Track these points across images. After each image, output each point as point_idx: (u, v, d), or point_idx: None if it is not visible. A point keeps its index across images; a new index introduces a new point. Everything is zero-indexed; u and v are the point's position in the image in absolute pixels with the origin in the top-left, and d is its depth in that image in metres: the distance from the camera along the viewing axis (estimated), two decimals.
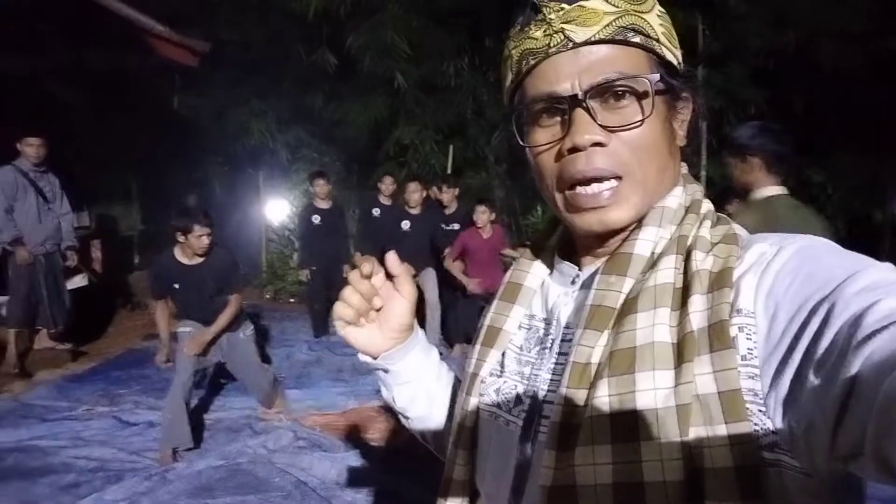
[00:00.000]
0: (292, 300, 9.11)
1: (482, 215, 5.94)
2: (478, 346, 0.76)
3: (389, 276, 0.80)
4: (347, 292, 0.77)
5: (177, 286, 4.11)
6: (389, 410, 4.41)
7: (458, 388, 0.80)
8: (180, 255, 4.13)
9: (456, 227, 6.34)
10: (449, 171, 8.99)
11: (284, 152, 10.27)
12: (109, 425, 4.40)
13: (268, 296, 9.43)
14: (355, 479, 3.57)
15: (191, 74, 8.75)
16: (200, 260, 4.14)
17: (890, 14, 7.61)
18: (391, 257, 0.78)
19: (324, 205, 6.78)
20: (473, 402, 0.74)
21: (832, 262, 0.54)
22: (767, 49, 7.74)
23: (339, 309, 0.78)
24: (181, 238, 4.05)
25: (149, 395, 4.95)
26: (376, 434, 4.20)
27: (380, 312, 0.80)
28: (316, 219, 6.71)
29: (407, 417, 0.90)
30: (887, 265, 0.52)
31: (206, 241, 4.06)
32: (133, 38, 7.01)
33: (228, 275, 4.33)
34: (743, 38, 7.81)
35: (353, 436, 4.17)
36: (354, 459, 3.81)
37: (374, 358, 0.83)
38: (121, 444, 4.07)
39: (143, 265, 8.70)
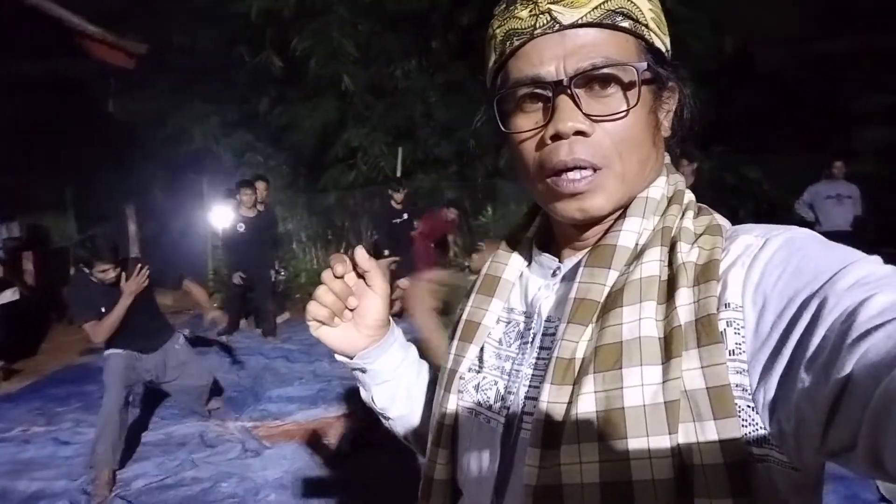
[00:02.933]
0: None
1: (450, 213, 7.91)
2: (455, 342, 0.74)
3: (359, 273, 0.77)
4: (321, 291, 0.74)
5: (103, 310, 3.76)
6: (346, 417, 4.38)
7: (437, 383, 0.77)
8: (97, 278, 3.82)
9: (405, 216, 7.44)
10: (398, 173, 8.97)
11: (229, 157, 10.03)
12: (49, 447, 4.19)
13: (215, 304, 9.16)
14: (308, 489, 3.50)
15: (128, 77, 8.44)
16: (112, 286, 3.82)
17: (822, 19, 8.01)
18: (360, 253, 0.75)
19: (249, 213, 6.78)
20: (452, 399, 0.71)
21: (821, 255, 0.52)
22: (707, 52, 8.02)
23: (313, 309, 0.74)
24: (85, 270, 3.79)
25: (91, 411, 4.70)
26: (331, 442, 4.13)
27: (354, 311, 0.77)
28: (240, 227, 6.72)
29: (387, 418, 0.86)
30: (876, 258, 0.51)
31: (111, 274, 3.74)
32: (64, 39, 6.70)
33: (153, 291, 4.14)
34: (684, 40, 8.07)
35: (306, 445, 4.09)
36: (307, 469, 3.73)
37: (351, 358, 0.80)
38: (63, 467, 3.87)
39: None
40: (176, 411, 4.72)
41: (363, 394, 0.85)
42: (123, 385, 3.83)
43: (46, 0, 6.28)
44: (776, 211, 8.30)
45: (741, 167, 8.19)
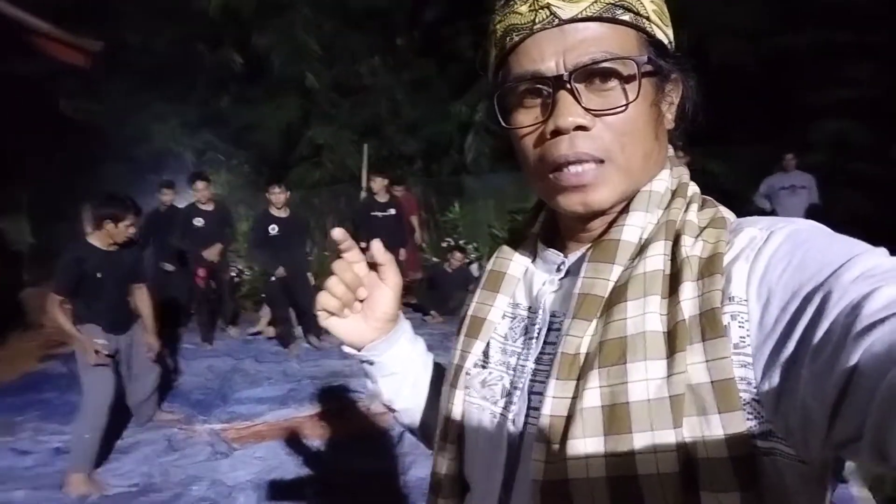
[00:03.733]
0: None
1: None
2: (461, 337, 0.74)
3: (372, 266, 0.76)
4: (332, 282, 0.73)
5: (99, 275, 3.78)
6: (317, 417, 4.35)
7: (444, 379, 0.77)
8: (97, 242, 3.83)
9: (392, 212, 6.85)
10: (365, 171, 8.93)
11: (190, 156, 9.84)
12: (8, 458, 4.05)
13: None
14: (282, 489, 3.47)
15: (85, 77, 8.19)
16: (116, 248, 3.88)
17: (781, 14, 8.23)
18: (376, 245, 0.74)
19: (207, 206, 6.43)
20: (459, 394, 0.72)
21: (825, 247, 0.52)
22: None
23: (323, 299, 0.74)
24: (108, 225, 3.78)
25: (50, 420, 4.57)
26: (302, 443, 4.10)
27: (364, 302, 0.77)
28: (199, 221, 6.37)
29: (394, 410, 0.86)
30: (881, 250, 0.51)
31: (133, 230, 3.89)
32: (14, 36, 6.47)
33: (139, 265, 4.16)
34: None
35: (278, 445, 4.05)
36: (280, 470, 3.70)
37: (359, 349, 0.79)
38: (25, 478, 3.75)
39: (35, 281, 8.08)
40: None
41: (369, 385, 0.85)
42: (110, 374, 3.76)
43: None
44: (735, 203, 8.50)
45: (703, 160, 8.39)
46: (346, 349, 0.80)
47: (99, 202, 3.91)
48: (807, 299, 0.49)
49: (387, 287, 0.77)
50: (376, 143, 9.47)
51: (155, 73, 9.59)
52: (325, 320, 0.75)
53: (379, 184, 6.98)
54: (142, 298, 4.15)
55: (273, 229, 6.12)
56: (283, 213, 6.21)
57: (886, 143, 7.51)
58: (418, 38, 10.11)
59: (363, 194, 7.41)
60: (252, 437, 4.24)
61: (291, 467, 3.74)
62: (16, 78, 7.29)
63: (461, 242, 8.57)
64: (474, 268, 8.60)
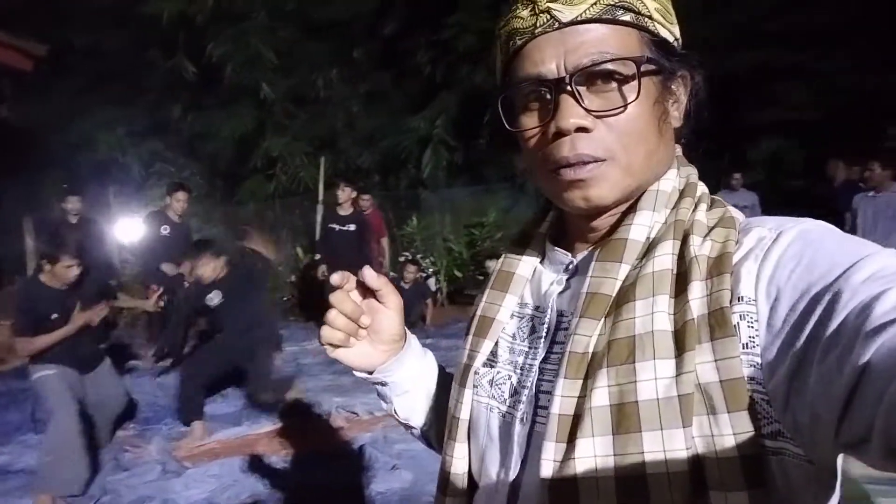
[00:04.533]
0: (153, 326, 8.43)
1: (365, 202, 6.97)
2: (470, 337, 0.74)
3: (367, 290, 0.76)
4: (332, 315, 0.72)
5: (55, 317, 3.56)
6: (273, 434, 4.24)
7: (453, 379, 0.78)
8: (48, 281, 3.63)
9: (352, 227, 6.42)
10: (321, 184, 8.84)
11: (137, 166, 9.54)
12: None
13: (125, 321, 8.64)
14: None
15: (26, 81, 7.85)
16: (67, 288, 3.67)
17: (725, 38, 8.60)
18: (368, 272, 0.74)
19: (177, 218, 6.21)
20: (468, 393, 0.72)
21: (835, 248, 0.52)
22: None
23: (327, 334, 0.73)
24: (46, 266, 3.59)
25: None
26: (258, 460, 3.98)
27: (368, 328, 0.76)
28: (165, 229, 6.09)
29: (411, 427, 0.87)
30: (891, 251, 0.51)
31: (74, 272, 3.61)
32: None
33: (102, 289, 4.04)
34: None
35: (231, 463, 3.92)
36: (235, 487, 3.58)
37: (370, 373, 0.79)
38: None
39: None
40: None
41: (385, 406, 0.85)
42: (74, 398, 3.57)
43: None
44: None
45: None
46: (357, 374, 0.80)
47: (43, 240, 3.81)
48: (816, 299, 0.49)
49: (388, 309, 0.76)
50: (332, 156, 9.40)
51: (102, 78, 9.29)
52: (331, 353, 0.75)
53: (345, 194, 6.49)
54: (122, 302, 4.04)
55: (165, 230, 6.02)
56: (177, 219, 6.13)
57: (820, 162, 7.94)
58: (376, 51, 10.13)
59: (319, 207, 7.22)
60: (204, 454, 4.10)
61: (247, 485, 3.63)
62: None
63: (418, 256, 8.56)
64: (431, 282, 8.60)
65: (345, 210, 6.50)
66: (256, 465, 3.87)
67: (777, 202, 7.51)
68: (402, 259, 8.42)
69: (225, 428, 4.49)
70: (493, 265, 0.80)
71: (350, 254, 6.17)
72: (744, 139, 8.92)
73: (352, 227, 6.45)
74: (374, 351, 0.77)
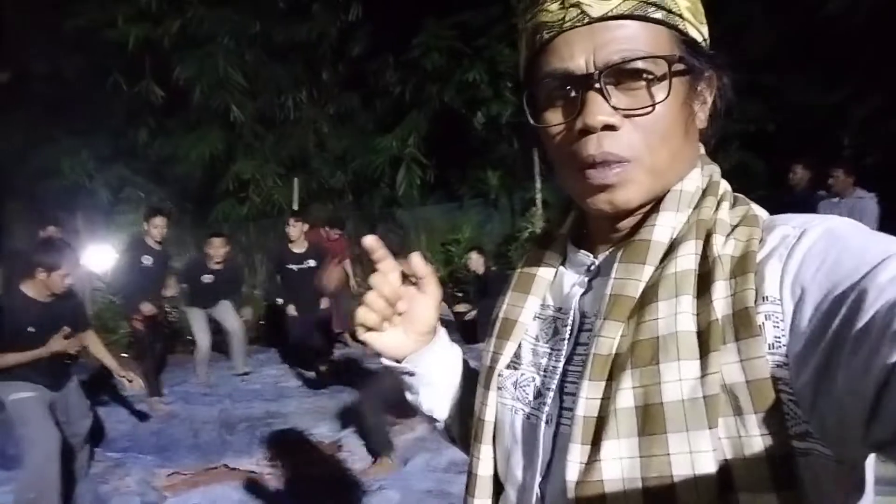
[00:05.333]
0: (125, 355, 8.20)
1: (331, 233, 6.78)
2: (493, 339, 0.73)
3: (406, 278, 0.75)
4: (371, 297, 0.72)
5: (31, 330, 3.45)
6: (256, 461, 4.15)
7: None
8: (32, 292, 3.54)
9: (311, 263, 5.94)
10: (295, 205, 8.78)
11: (105, 192, 9.35)
12: None
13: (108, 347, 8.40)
14: None
15: None
16: (53, 298, 3.59)
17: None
18: (416, 259, 0.74)
19: (156, 245, 5.91)
20: (492, 396, 0.72)
21: (861, 246, 0.51)
22: None
23: (362, 314, 0.72)
24: (41, 275, 3.50)
25: None
26: (239, 488, 3.90)
27: (403, 315, 0.75)
28: (147, 259, 5.78)
29: (435, 420, 0.86)
30: None
31: (67, 282, 3.57)
32: None
33: (80, 314, 3.89)
34: None
35: (213, 492, 3.83)
36: None
37: (398, 361, 0.78)
38: None
39: None
40: None
41: (409, 397, 0.84)
42: (53, 423, 3.45)
43: None
44: None
45: None
46: (385, 362, 0.79)
47: (33, 248, 3.69)
48: (842, 298, 0.48)
49: (427, 298, 0.76)
50: (305, 177, 9.37)
51: (64, 105, 9.13)
52: (363, 335, 0.74)
53: (296, 230, 5.95)
54: (93, 343, 3.94)
55: (147, 260, 5.74)
56: (157, 246, 5.86)
57: (782, 172, 8.23)
58: (343, 71, 10.17)
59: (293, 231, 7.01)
60: (184, 485, 4.00)
61: None
62: None
63: None
64: None
65: (299, 246, 6.01)
66: (238, 493, 3.79)
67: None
68: None
69: (206, 456, 4.41)
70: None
71: (311, 294, 5.88)
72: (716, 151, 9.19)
73: (311, 264, 5.96)
74: (406, 339, 0.77)
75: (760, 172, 9.53)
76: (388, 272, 0.72)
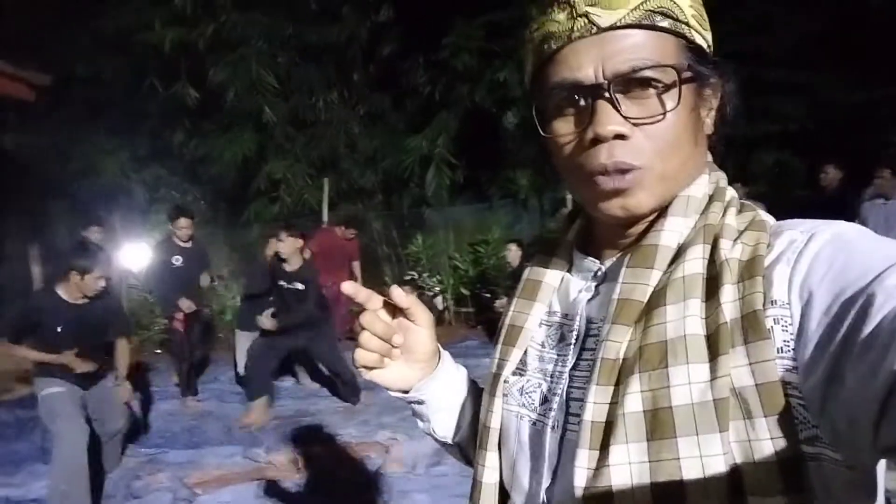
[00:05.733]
0: (158, 351, 8.38)
1: (348, 231, 6.76)
2: (499, 346, 0.74)
3: (396, 309, 0.75)
4: (365, 337, 0.72)
5: (59, 330, 3.56)
6: (286, 459, 4.19)
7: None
8: (64, 294, 3.64)
9: (298, 286, 5.12)
10: (325, 205, 8.85)
11: (142, 192, 9.58)
12: None
13: (131, 347, 8.59)
14: None
15: (29, 111, 7.91)
16: (86, 301, 3.67)
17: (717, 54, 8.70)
18: (396, 291, 0.73)
19: (186, 244, 5.89)
20: (498, 402, 0.72)
21: (869, 251, 0.51)
22: None
23: (361, 356, 0.73)
24: (75, 277, 3.59)
25: None
26: (270, 487, 3.94)
27: (401, 347, 0.76)
28: (177, 260, 5.80)
29: (450, 445, 0.86)
30: None
31: (102, 284, 3.66)
32: None
33: (116, 317, 3.97)
34: None
35: (243, 490, 3.88)
36: None
37: (406, 392, 0.79)
38: None
39: None
40: None
41: (422, 425, 0.85)
42: (82, 418, 3.54)
43: None
44: None
45: None
46: (394, 394, 0.79)
47: (68, 250, 3.77)
48: (850, 302, 0.48)
49: (419, 327, 0.76)
50: (335, 177, 9.43)
51: (103, 106, 9.37)
52: (367, 375, 0.75)
53: (288, 246, 5.07)
54: (120, 351, 3.98)
55: (177, 261, 5.71)
56: (187, 244, 5.80)
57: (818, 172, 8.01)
58: (374, 72, 10.22)
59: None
60: (215, 482, 4.06)
61: None
62: None
63: (425, 276, 8.54)
64: (438, 300, 8.58)
65: (291, 265, 5.15)
66: (268, 491, 3.83)
67: (786, 212, 7.48)
68: (408, 278, 8.42)
69: (236, 455, 4.46)
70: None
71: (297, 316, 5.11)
72: (742, 152, 8.96)
73: (299, 286, 5.13)
74: (409, 370, 0.77)
75: (799, 172, 9.29)
76: (377, 309, 0.73)
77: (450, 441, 0.85)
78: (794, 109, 8.86)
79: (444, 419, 0.83)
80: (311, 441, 4.53)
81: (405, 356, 0.77)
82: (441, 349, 0.82)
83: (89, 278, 3.60)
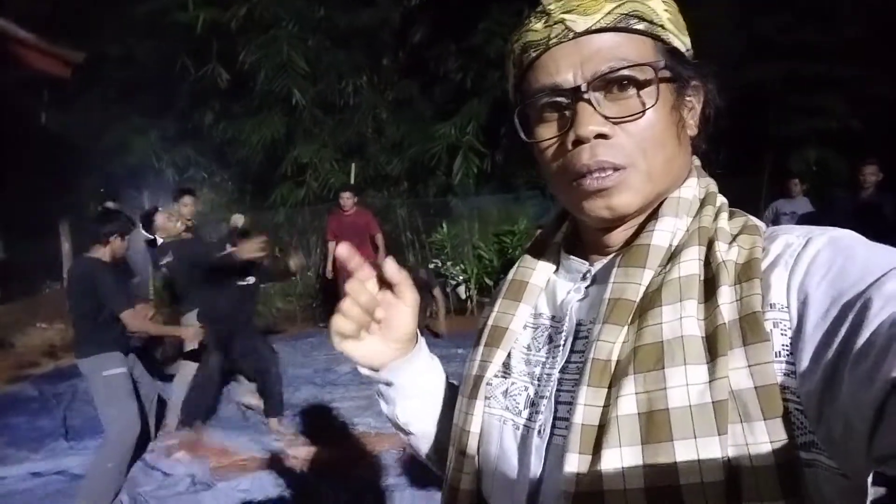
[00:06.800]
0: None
1: (347, 200, 6.93)
2: (481, 347, 0.72)
3: (384, 283, 0.72)
4: (347, 304, 0.69)
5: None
6: (303, 446, 4.18)
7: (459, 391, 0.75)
8: (106, 259, 3.73)
9: (249, 280, 4.58)
10: None
11: (171, 172, 9.66)
12: None
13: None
14: None
15: (63, 88, 8.01)
16: (115, 266, 3.80)
17: (752, 47, 8.42)
18: (390, 265, 0.71)
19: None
20: (479, 405, 0.70)
21: (867, 256, 0.51)
22: None
23: (338, 322, 0.69)
24: (116, 241, 3.72)
25: (20, 447, 4.34)
26: (287, 474, 3.93)
27: (381, 322, 0.73)
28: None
29: (410, 433, 0.83)
30: None
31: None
32: None
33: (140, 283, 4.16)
34: None
35: (262, 477, 3.88)
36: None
37: (377, 371, 0.76)
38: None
39: (7, 298, 7.79)
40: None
41: (385, 408, 0.82)
42: (136, 402, 3.66)
43: None
44: None
45: None
46: (363, 371, 0.77)
47: (99, 217, 3.86)
48: (847, 307, 0.48)
49: (404, 305, 0.73)
50: (361, 163, 9.40)
51: (135, 86, 9.45)
52: (339, 343, 0.72)
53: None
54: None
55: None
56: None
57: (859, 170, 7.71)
58: (404, 58, 10.12)
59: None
60: (234, 468, 4.06)
61: (277, 500, 3.58)
62: None
63: (448, 264, 8.47)
64: (462, 289, 8.51)
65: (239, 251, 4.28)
66: (286, 479, 3.82)
67: (830, 211, 7.18)
68: (432, 266, 8.36)
69: (253, 441, 4.46)
70: None
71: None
72: (781, 149, 8.69)
73: (251, 280, 4.58)
74: (385, 348, 0.74)
75: (841, 171, 8.99)
76: (364, 279, 0.70)
77: (410, 430, 0.82)
78: (838, 106, 8.55)
79: (409, 406, 0.80)
80: (328, 431, 4.51)
81: (383, 332, 0.74)
82: (419, 335, 0.79)
83: (124, 242, 3.77)
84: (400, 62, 10.11)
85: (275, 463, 4.05)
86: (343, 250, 0.69)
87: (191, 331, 3.89)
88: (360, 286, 0.69)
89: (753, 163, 8.93)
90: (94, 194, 9.51)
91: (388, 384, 0.77)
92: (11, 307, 7.44)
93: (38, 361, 6.15)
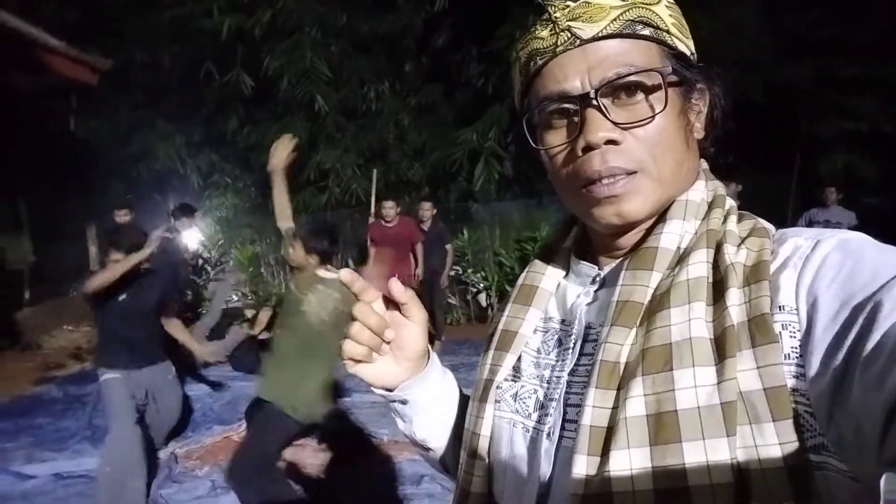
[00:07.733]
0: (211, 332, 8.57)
1: (390, 210, 6.59)
2: (491, 352, 0.73)
3: (390, 302, 0.72)
4: (356, 329, 0.69)
5: (122, 297, 3.68)
6: (317, 442, 4.16)
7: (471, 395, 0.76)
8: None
9: None
10: (373, 196, 8.84)
11: (196, 177, 9.77)
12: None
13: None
14: None
15: (90, 94, 8.16)
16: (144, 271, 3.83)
17: (783, 45, 8.26)
18: (396, 286, 0.70)
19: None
20: (489, 409, 0.70)
21: (877, 258, 0.51)
22: None
23: (349, 348, 0.70)
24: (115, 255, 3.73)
25: (43, 447, 4.38)
26: (305, 480, 3.92)
27: (392, 343, 0.73)
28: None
29: (428, 449, 0.84)
30: None
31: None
32: (23, 52, 6.43)
33: (172, 286, 4.16)
34: None
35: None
36: None
37: (391, 390, 0.76)
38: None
39: (35, 300, 7.92)
40: None
41: (402, 426, 0.82)
42: (135, 407, 3.63)
43: (3, 11, 6.02)
44: None
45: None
46: (377, 391, 0.76)
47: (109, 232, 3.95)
48: (858, 309, 0.48)
49: (413, 324, 0.73)
50: (383, 169, 9.41)
51: (160, 92, 9.58)
52: (352, 368, 0.72)
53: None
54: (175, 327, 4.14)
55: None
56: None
57: (892, 177, 7.49)
58: (426, 63, 10.13)
59: (371, 219, 7.10)
60: None
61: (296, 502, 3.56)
62: (20, 92, 7.24)
63: (469, 271, 8.43)
64: (482, 297, 8.45)
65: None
66: (303, 488, 3.80)
67: (861, 219, 6.98)
68: (452, 273, 8.31)
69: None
70: None
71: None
72: (813, 152, 8.51)
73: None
74: (397, 367, 0.75)
75: (870, 177, 8.77)
76: (371, 301, 0.70)
77: (429, 446, 0.83)
78: (870, 107, 8.34)
79: (426, 422, 0.80)
80: (344, 439, 4.49)
81: (394, 353, 0.74)
82: (430, 351, 0.79)
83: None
84: (422, 68, 10.11)
85: (293, 469, 4.04)
86: (346, 275, 0.69)
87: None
88: (368, 309, 0.69)
89: (782, 163, 8.76)
90: (120, 199, 9.66)
91: (404, 402, 0.78)
92: (39, 309, 7.57)
93: (64, 363, 6.24)
